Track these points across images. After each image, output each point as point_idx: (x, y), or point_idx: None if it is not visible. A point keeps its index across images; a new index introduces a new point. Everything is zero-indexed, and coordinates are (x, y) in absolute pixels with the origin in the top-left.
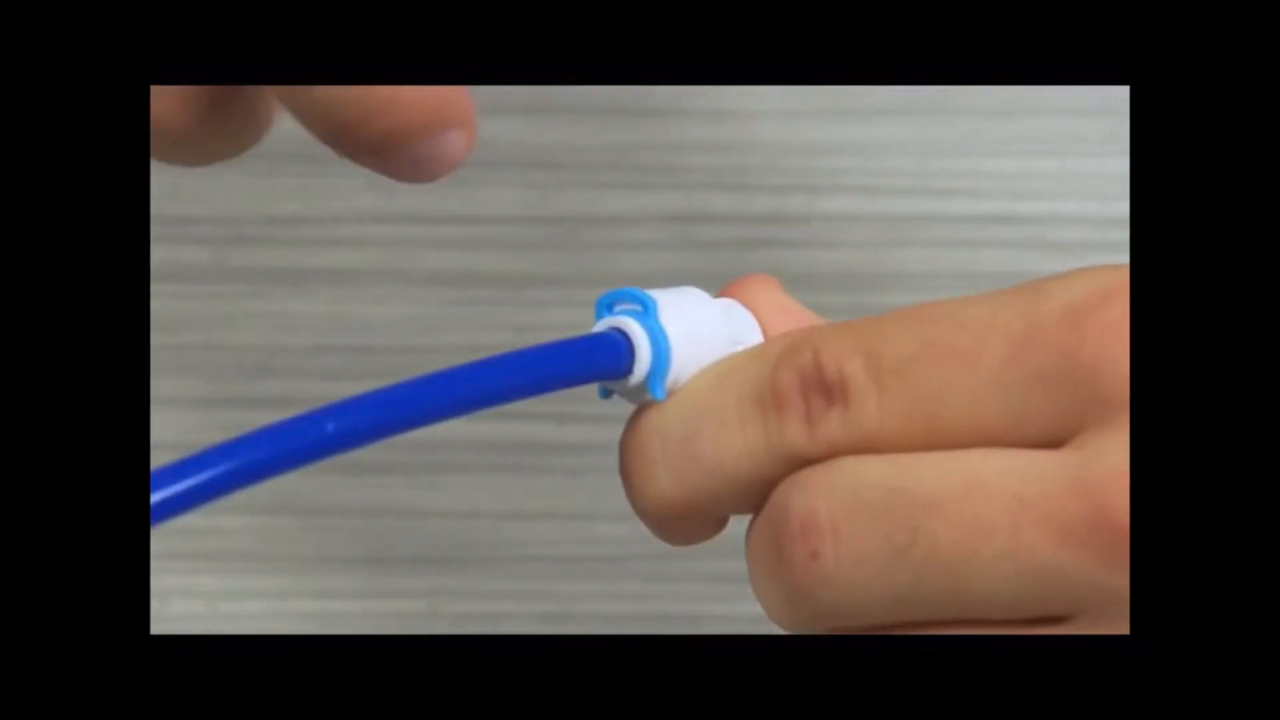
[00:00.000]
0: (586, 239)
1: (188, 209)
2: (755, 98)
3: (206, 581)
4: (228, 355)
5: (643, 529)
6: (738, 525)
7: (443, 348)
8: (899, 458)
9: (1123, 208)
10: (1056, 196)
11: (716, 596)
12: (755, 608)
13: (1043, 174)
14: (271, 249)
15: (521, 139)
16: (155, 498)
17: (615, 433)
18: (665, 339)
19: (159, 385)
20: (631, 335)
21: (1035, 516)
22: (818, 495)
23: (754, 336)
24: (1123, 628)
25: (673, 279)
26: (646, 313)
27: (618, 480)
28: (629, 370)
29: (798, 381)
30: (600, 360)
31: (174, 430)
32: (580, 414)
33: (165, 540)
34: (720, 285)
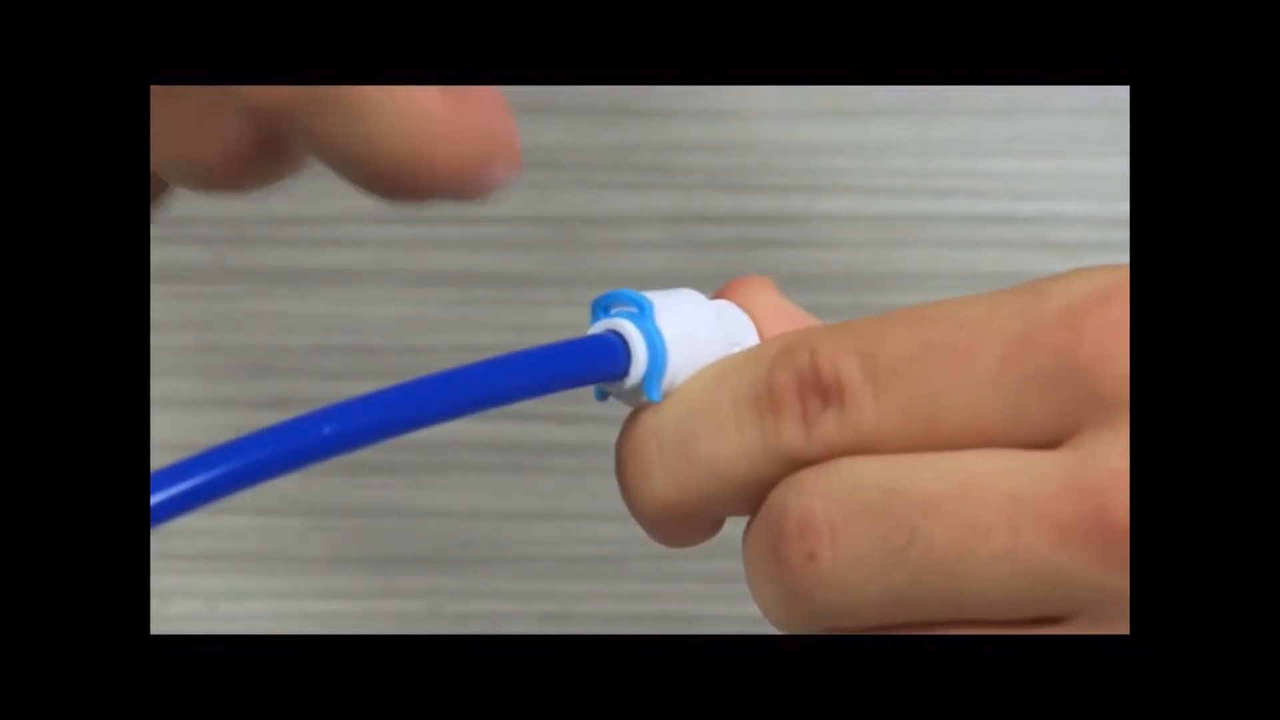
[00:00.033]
0: (586, 239)
1: (188, 209)
2: (755, 98)
3: (206, 581)
4: (228, 355)
5: (642, 530)
6: (736, 525)
7: (443, 348)
8: (896, 458)
9: (1123, 208)
10: (1056, 196)
11: (716, 596)
12: (755, 608)
13: (1043, 174)
14: (271, 249)
15: (521, 139)
16: (154, 499)
17: (615, 433)
18: (661, 341)
19: (159, 385)
20: (627, 337)
21: (1033, 517)
22: (815, 496)
23: (750, 338)
24: (1121, 628)
25: (672, 279)
26: (642, 315)
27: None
28: (625, 372)
29: (794, 383)
30: (596, 362)
31: (174, 430)
32: (580, 414)
33: (165, 540)
34: (719, 285)
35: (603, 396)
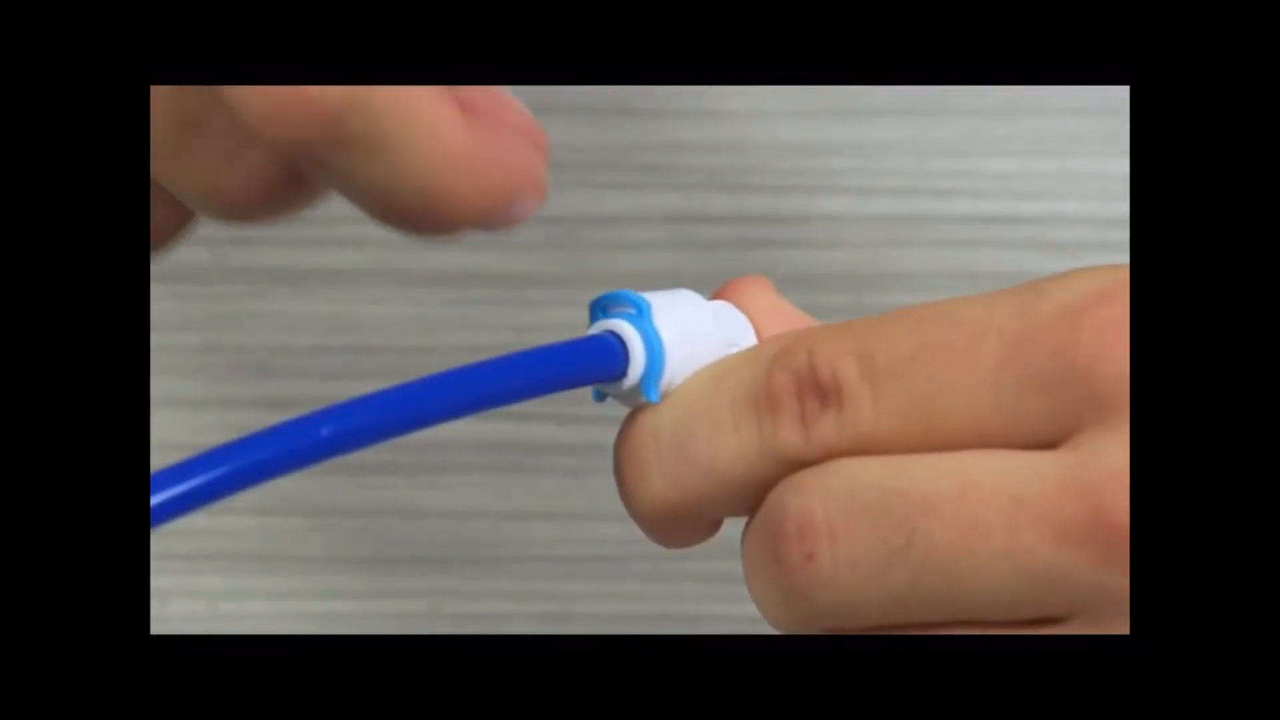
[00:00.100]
0: (586, 239)
1: None
2: (755, 98)
3: (206, 581)
4: (228, 355)
5: (640, 530)
6: (735, 526)
7: (443, 348)
8: (895, 459)
9: (1123, 208)
10: (1056, 196)
11: (716, 596)
12: (754, 608)
13: (1043, 174)
14: (271, 249)
15: None
16: (154, 500)
17: (615, 434)
18: (659, 342)
19: (159, 385)
20: (625, 338)
21: (1032, 517)
22: (813, 497)
23: (748, 338)
24: (1121, 628)
25: (672, 279)
26: (640, 315)
27: None
28: (623, 373)
29: (792, 383)
30: (595, 363)
31: (174, 430)
32: (580, 414)
33: (165, 540)
34: (719, 285)
35: (600, 397)
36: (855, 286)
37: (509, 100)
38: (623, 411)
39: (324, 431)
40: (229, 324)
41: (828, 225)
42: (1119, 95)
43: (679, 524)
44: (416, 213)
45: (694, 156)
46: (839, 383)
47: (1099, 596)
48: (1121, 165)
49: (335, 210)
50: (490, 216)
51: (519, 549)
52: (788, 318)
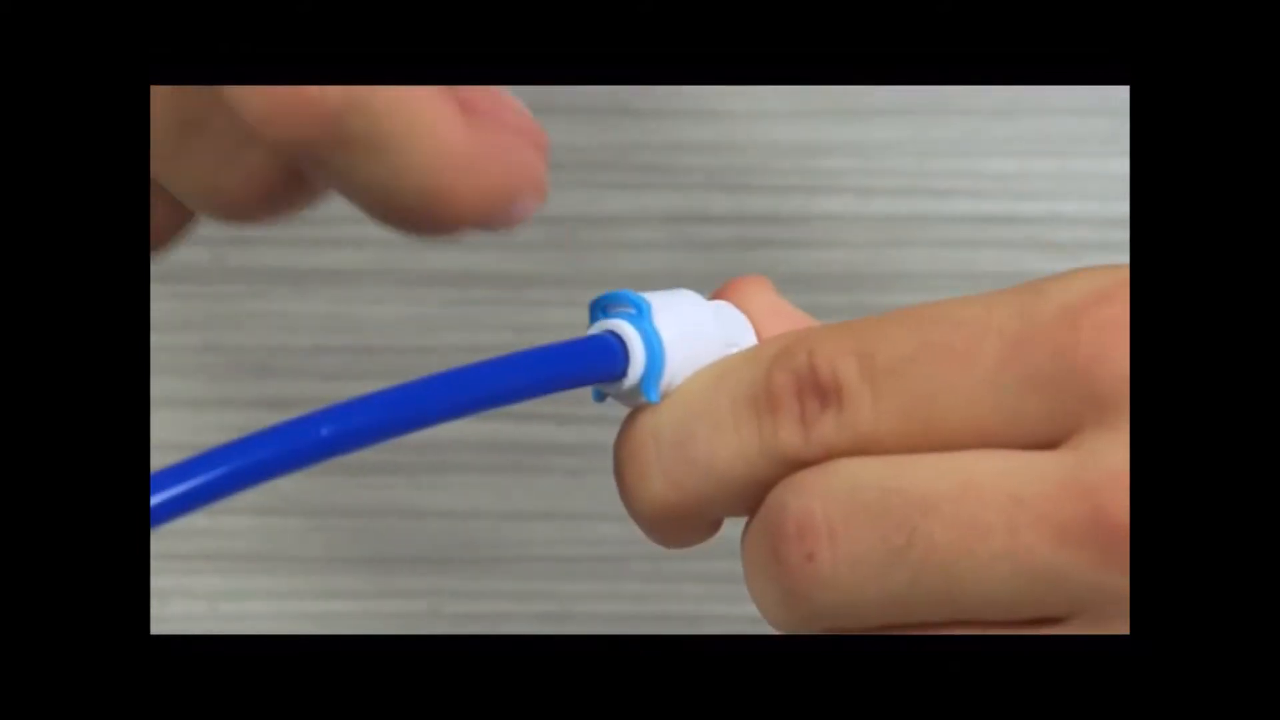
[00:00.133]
0: (586, 239)
1: None
2: (755, 98)
3: (206, 582)
4: (228, 355)
5: (640, 530)
6: (735, 526)
7: (443, 348)
8: (895, 459)
9: (1123, 208)
10: (1056, 196)
11: (716, 597)
12: (755, 608)
13: (1043, 174)
14: (271, 249)
15: None
16: (153, 500)
17: (615, 434)
18: (659, 341)
19: (159, 385)
20: (625, 338)
21: (1032, 517)
22: (814, 497)
23: (748, 338)
24: (1121, 628)
25: (672, 279)
26: (640, 315)
27: None
28: (623, 373)
29: (792, 383)
30: (595, 363)
31: (174, 430)
32: (580, 414)
33: (165, 540)
34: (719, 286)
35: (600, 397)
36: (855, 286)
37: (509, 100)
38: (623, 411)
39: (324, 431)
40: (229, 324)
41: (828, 225)
42: (1119, 95)
43: (679, 524)
44: (416, 213)
45: (694, 156)
46: (839, 383)
47: (1099, 596)
48: (1121, 165)
49: (335, 210)
50: (490, 216)
51: (519, 549)
52: (788, 317)
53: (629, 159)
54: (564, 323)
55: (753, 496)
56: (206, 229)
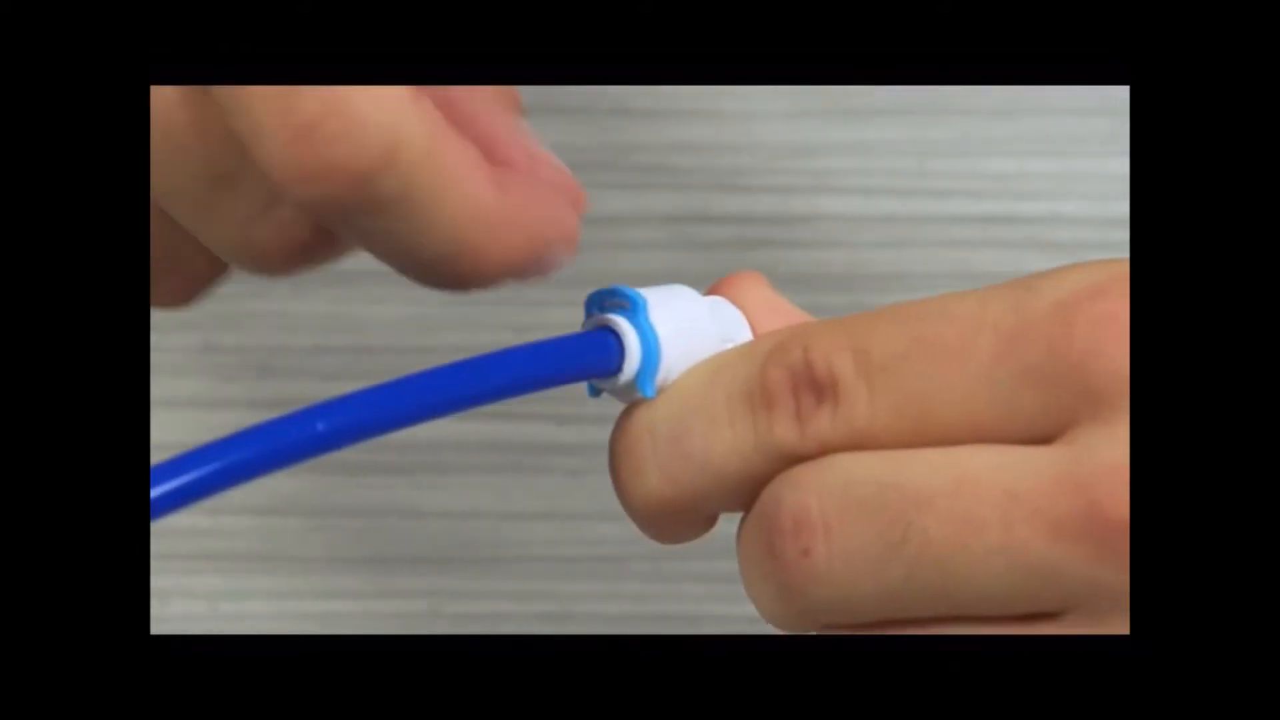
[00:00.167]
0: (586, 239)
1: None
2: (755, 98)
3: (206, 582)
4: (228, 355)
5: (636, 526)
6: (733, 526)
7: (443, 348)
8: (890, 454)
9: (1123, 208)
10: (1056, 196)
11: (716, 596)
12: (754, 609)
13: (1043, 174)
14: None
15: None
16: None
17: None
18: (655, 337)
19: (159, 385)
20: (621, 333)
21: (1027, 512)
22: (809, 492)
23: (743, 334)
24: (1116, 623)
25: (672, 279)
26: (636, 310)
27: None
28: (619, 368)
29: (787, 379)
30: (590, 358)
31: (174, 430)
32: (580, 414)
33: (165, 540)
34: None
35: (596, 393)
36: (855, 286)
37: (546, 156)
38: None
39: (320, 426)
40: (229, 324)
41: (827, 225)
42: (1119, 95)
43: (674, 519)
44: (445, 271)
45: (694, 156)
46: (834, 378)
47: (1094, 591)
48: (1121, 165)
49: None
50: (520, 272)
51: (519, 549)
52: (783, 313)
53: (629, 159)
54: (564, 322)
55: (748, 492)
56: None
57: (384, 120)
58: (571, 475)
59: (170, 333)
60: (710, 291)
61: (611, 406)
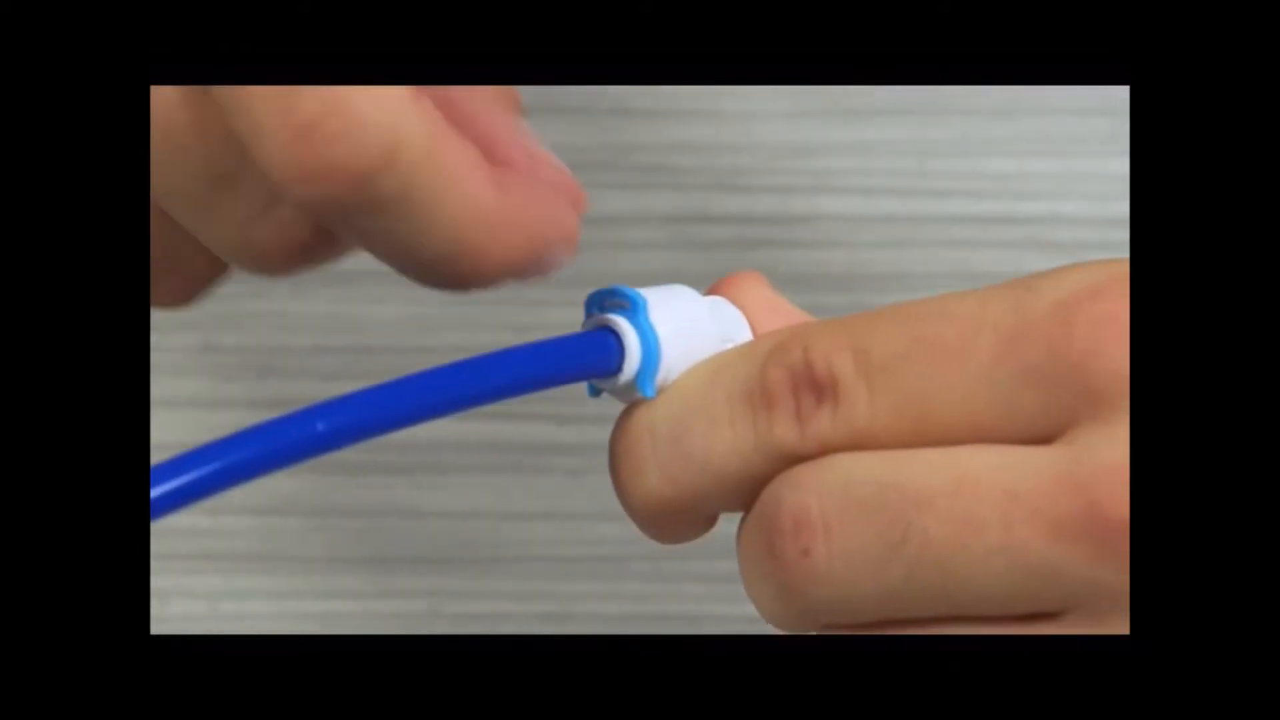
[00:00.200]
0: (586, 239)
1: None
2: (755, 98)
3: (206, 582)
4: (228, 355)
5: (636, 526)
6: (734, 526)
7: (443, 348)
8: (890, 454)
9: (1123, 208)
10: (1056, 196)
11: (716, 596)
12: (754, 609)
13: (1043, 174)
14: None
15: None
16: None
17: None
18: (655, 337)
19: (159, 385)
20: (621, 333)
21: (1026, 512)
22: (809, 492)
23: (743, 334)
24: (1116, 623)
25: (672, 279)
26: (636, 310)
27: None
28: (619, 368)
29: (787, 379)
30: (590, 358)
31: (174, 430)
32: (580, 414)
33: (165, 540)
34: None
35: (596, 393)
36: (855, 287)
37: (546, 156)
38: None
39: (320, 426)
40: (229, 324)
41: (827, 225)
42: (1119, 95)
43: (674, 519)
44: (444, 271)
45: (694, 156)
46: (834, 378)
47: (1094, 591)
48: (1121, 165)
49: None
50: (519, 272)
51: (519, 549)
52: (783, 313)
53: (629, 159)
54: (564, 323)
55: (748, 492)
56: None
57: (384, 120)
58: (571, 475)
59: (170, 333)
60: (710, 291)
61: (611, 406)
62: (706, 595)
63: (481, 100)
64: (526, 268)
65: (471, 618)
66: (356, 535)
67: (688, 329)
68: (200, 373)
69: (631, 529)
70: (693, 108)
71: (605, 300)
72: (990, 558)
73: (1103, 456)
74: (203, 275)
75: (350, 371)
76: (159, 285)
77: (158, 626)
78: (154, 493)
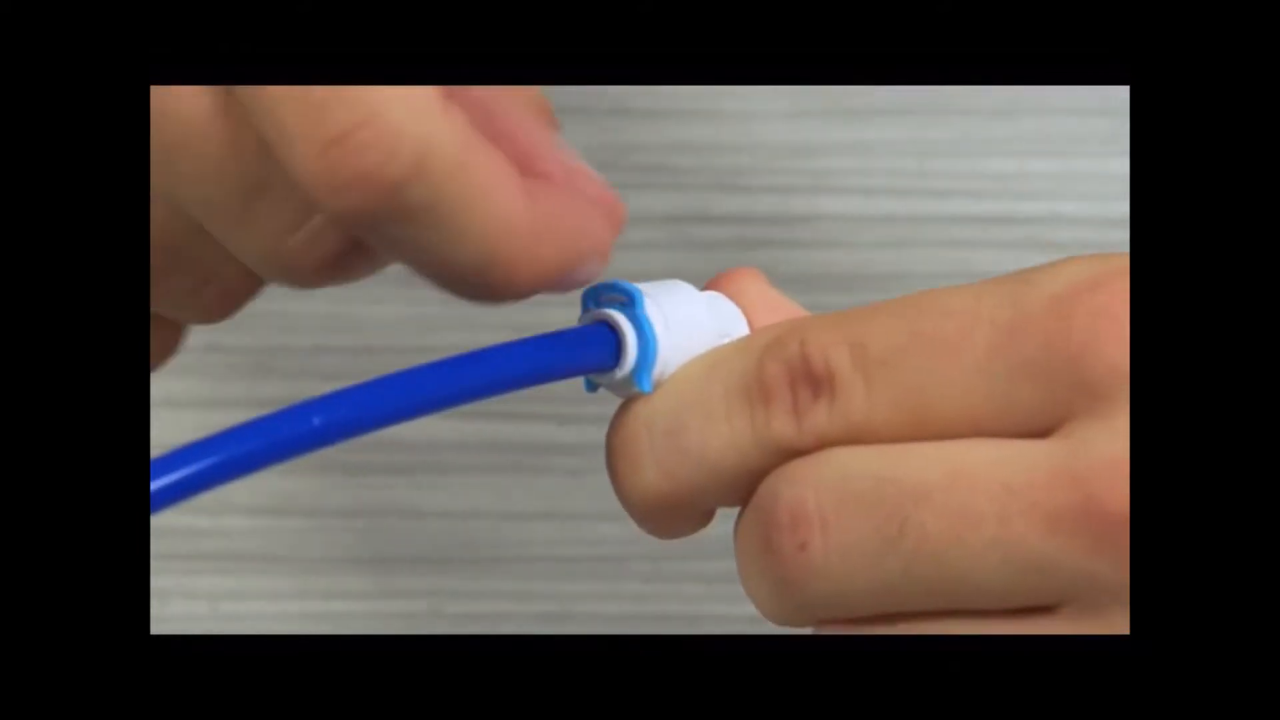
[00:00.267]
0: None
1: None
2: (755, 98)
3: (207, 582)
4: (228, 355)
5: (633, 521)
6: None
7: (443, 348)
8: (887, 448)
9: (1123, 208)
10: (1056, 196)
11: (716, 596)
12: (754, 608)
13: (1043, 174)
14: None
15: None
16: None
17: None
18: (652, 331)
19: (159, 386)
20: (618, 328)
21: (1023, 505)
22: (806, 486)
23: (740, 329)
24: (1113, 616)
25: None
26: (633, 305)
27: None
28: (616, 363)
29: (784, 373)
30: (587, 353)
31: (174, 430)
32: (580, 414)
33: (165, 540)
34: None
35: (593, 388)
36: (855, 287)
37: (584, 169)
38: None
39: (315, 421)
40: (229, 324)
41: (828, 225)
42: (1119, 95)
43: (671, 514)
44: (475, 282)
45: (694, 156)
46: (831, 372)
47: (1090, 585)
48: (1121, 165)
49: None
50: (551, 285)
51: (519, 549)
52: (780, 309)
53: (629, 159)
54: (563, 322)
55: (745, 486)
56: None
57: (415, 130)
58: (571, 475)
59: None
60: (708, 287)
61: (613, 407)
62: (706, 595)
63: (519, 114)
64: (559, 279)
65: (471, 618)
66: (356, 535)
67: (685, 324)
68: (200, 373)
69: (632, 529)
70: (693, 108)
71: (602, 295)
72: (987, 551)
73: (1100, 450)
74: (237, 290)
75: (350, 371)
76: (194, 301)
77: (158, 626)
78: (152, 486)
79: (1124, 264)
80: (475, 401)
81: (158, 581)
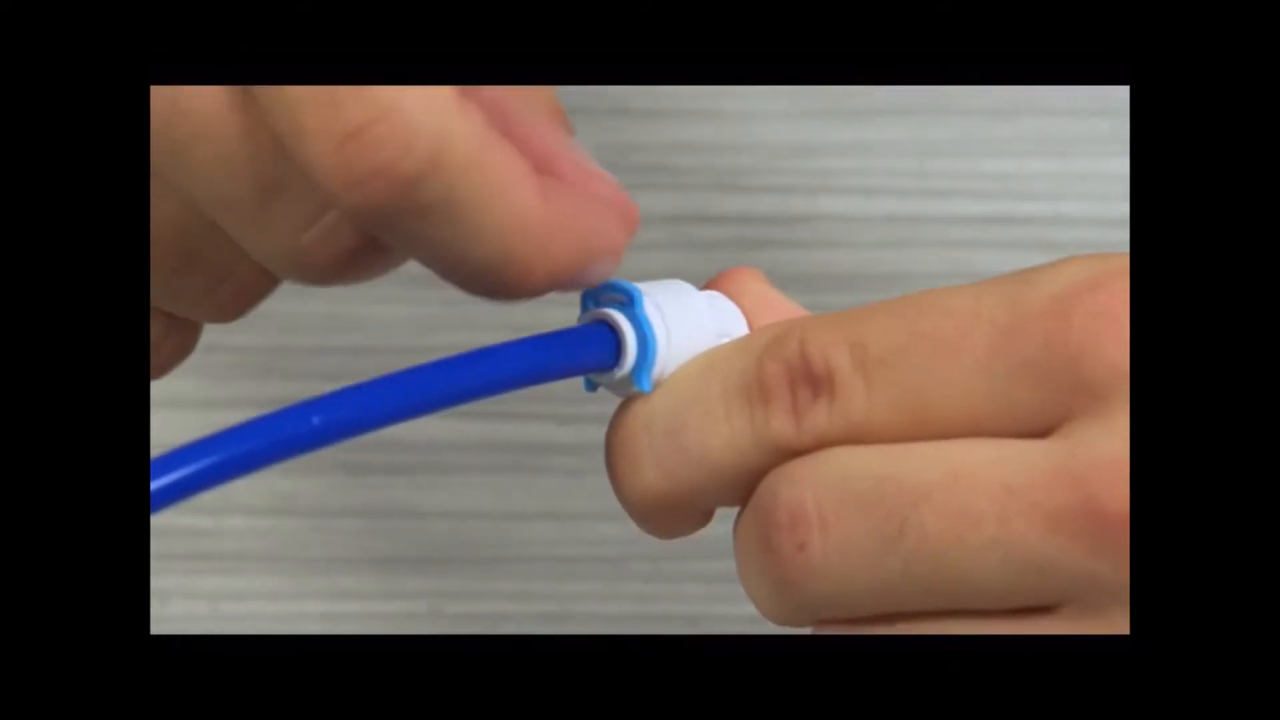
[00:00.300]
0: None
1: None
2: (755, 98)
3: (207, 582)
4: (228, 356)
5: (633, 520)
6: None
7: (443, 348)
8: (887, 448)
9: (1123, 208)
10: (1056, 196)
11: (716, 596)
12: (755, 609)
13: (1043, 174)
14: None
15: None
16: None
17: None
18: (651, 331)
19: (159, 385)
20: (618, 327)
21: (1023, 505)
22: (805, 486)
23: (740, 329)
24: (1113, 616)
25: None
26: (633, 304)
27: None
28: (616, 362)
29: (784, 372)
30: (587, 352)
31: (175, 431)
32: (580, 414)
33: (165, 540)
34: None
35: (592, 387)
36: (856, 287)
37: (598, 171)
38: None
39: (315, 421)
40: (229, 324)
41: (828, 225)
42: (1119, 95)
43: (671, 514)
44: (488, 279)
45: (694, 156)
46: (831, 372)
47: (1090, 585)
48: (1121, 165)
49: None
50: (564, 283)
51: (519, 549)
52: (780, 308)
53: (629, 159)
54: (563, 322)
55: (745, 486)
56: None
57: (430, 125)
58: (571, 475)
59: None
60: (708, 287)
61: (612, 407)
62: (706, 595)
63: (534, 116)
64: (572, 278)
65: (472, 618)
66: (357, 535)
67: (684, 323)
68: (200, 373)
69: (632, 529)
70: (693, 108)
71: (602, 294)
72: (987, 551)
73: (1099, 450)
74: (251, 288)
75: (351, 372)
76: (209, 299)
77: (158, 626)
78: (151, 486)
79: (1124, 264)
80: (475, 401)
81: (158, 581)
